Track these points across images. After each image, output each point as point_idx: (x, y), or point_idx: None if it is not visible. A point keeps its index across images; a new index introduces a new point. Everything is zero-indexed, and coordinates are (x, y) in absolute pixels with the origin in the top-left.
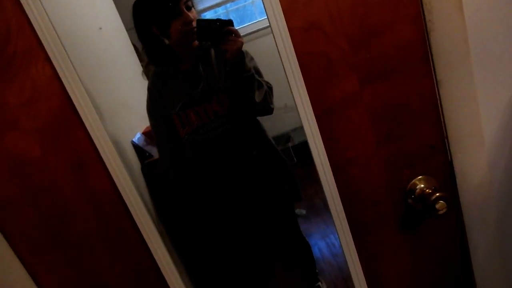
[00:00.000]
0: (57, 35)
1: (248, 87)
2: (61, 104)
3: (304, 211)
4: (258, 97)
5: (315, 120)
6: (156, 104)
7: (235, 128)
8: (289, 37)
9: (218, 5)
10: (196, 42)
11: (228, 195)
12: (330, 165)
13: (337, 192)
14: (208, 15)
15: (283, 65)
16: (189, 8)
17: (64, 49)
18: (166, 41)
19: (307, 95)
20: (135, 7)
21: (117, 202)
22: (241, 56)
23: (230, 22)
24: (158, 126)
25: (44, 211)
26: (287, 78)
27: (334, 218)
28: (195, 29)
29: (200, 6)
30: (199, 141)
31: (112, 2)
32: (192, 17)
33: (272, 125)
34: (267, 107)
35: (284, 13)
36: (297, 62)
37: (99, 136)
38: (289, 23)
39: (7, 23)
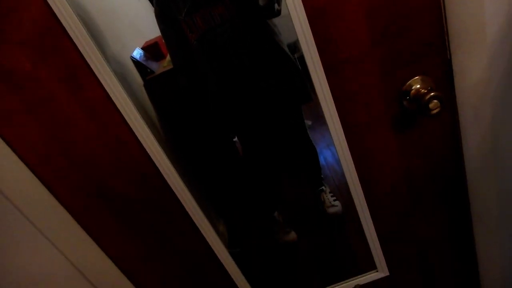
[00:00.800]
0: None
1: None
2: (44, 14)
3: (310, 122)
4: (261, 1)
5: (306, 20)
6: (163, 9)
7: (242, 31)
8: None
9: None
10: None
11: (238, 98)
12: (323, 66)
13: (330, 93)
14: None
15: None
16: None
17: None
18: None
19: None
20: None
21: (112, 111)
22: None
23: None
24: (167, 32)
25: (45, 120)
26: None
27: (326, 119)
28: None
29: None
30: (207, 46)
31: None
32: None
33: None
34: (271, 10)
35: None
36: None
37: (86, 47)
38: None
39: None
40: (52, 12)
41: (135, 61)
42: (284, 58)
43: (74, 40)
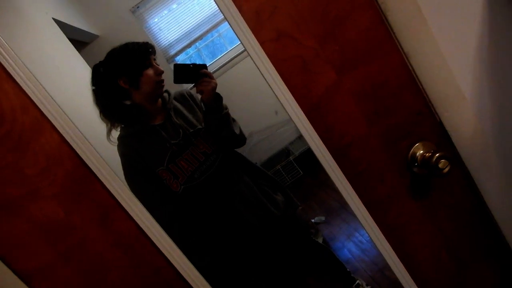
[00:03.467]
0: (59, 106)
1: (227, 123)
2: (74, 165)
3: (323, 218)
4: (236, 129)
5: (305, 117)
6: (137, 166)
7: (226, 160)
8: (262, 50)
9: (188, 46)
10: (160, 101)
11: (236, 226)
12: (331, 154)
13: (344, 177)
14: (181, 58)
15: (263, 76)
16: (156, 65)
17: (67, 117)
18: (128, 102)
19: (293, 98)
20: (98, 67)
21: (146, 244)
22: (217, 96)
23: (204, 66)
24: (147, 188)
25: (80, 267)
26: (270, 87)
27: (349, 203)
28: (163, 83)
29: (171, 52)
30: (196, 186)
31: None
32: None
33: (269, 144)
34: (243, 138)
35: (252, 31)
36: (275, 71)
37: (116, 187)
38: (259, 38)
39: (10, 104)
40: (83, 162)
41: None
42: (264, 175)
43: (105, 183)
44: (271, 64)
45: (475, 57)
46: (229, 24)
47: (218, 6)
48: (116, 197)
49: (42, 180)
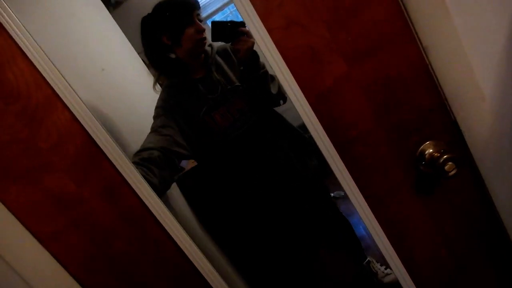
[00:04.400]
0: (70, 86)
1: (264, 82)
2: (84, 141)
3: (342, 192)
4: (273, 89)
5: (310, 108)
6: (177, 109)
7: (261, 120)
8: (270, 38)
9: (221, 8)
10: (203, 55)
11: (264, 184)
12: (335, 147)
13: (347, 172)
14: (216, 18)
15: (269, 63)
16: (199, 21)
17: (78, 96)
18: (173, 55)
19: (298, 87)
20: (146, 19)
21: (149, 218)
22: (254, 54)
23: (242, 23)
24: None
25: (90, 236)
26: (276, 75)
27: (350, 197)
28: (205, 40)
29: (204, 13)
30: (230, 141)
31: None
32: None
33: (296, 113)
34: (283, 96)
35: (260, 18)
36: (281, 59)
37: (122, 164)
38: (267, 25)
39: (26, 81)
40: (92, 140)
41: None
42: (300, 139)
43: (112, 161)
44: (278, 52)
45: (500, 57)
46: (236, 8)
47: None
48: (123, 174)
49: (55, 154)
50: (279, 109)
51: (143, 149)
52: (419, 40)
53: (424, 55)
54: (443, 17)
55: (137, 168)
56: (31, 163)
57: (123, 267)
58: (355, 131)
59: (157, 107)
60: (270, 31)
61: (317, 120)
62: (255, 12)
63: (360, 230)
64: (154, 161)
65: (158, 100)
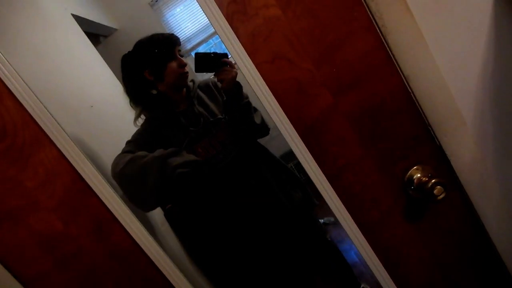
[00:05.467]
0: (58, 123)
1: (247, 112)
2: (72, 179)
3: (332, 218)
4: (257, 119)
5: (300, 139)
6: (159, 142)
7: (243, 152)
8: (257, 72)
9: (206, 39)
10: (184, 90)
11: (249, 217)
12: (326, 176)
13: (339, 200)
14: (201, 50)
15: (258, 97)
16: (181, 56)
17: (66, 133)
18: (155, 91)
19: (287, 119)
20: (127, 57)
21: (139, 255)
22: (237, 85)
23: (225, 55)
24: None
25: (77, 277)
26: (265, 108)
27: (343, 225)
28: (187, 74)
29: (188, 45)
30: (212, 173)
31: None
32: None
33: (282, 142)
34: (266, 127)
35: (248, 53)
36: (270, 92)
37: (111, 201)
38: (254, 60)
39: (12, 119)
40: (80, 177)
41: None
42: (283, 171)
43: (101, 198)
44: (266, 86)
45: (477, 82)
46: (225, 46)
47: (214, 28)
48: (112, 211)
49: (42, 192)
50: (261, 141)
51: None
52: (401, 70)
53: (406, 84)
54: (421, 48)
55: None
56: (17, 202)
57: None
58: (344, 160)
59: (136, 133)
60: (257, 65)
61: (307, 150)
62: (242, 48)
63: (352, 256)
64: None
65: (134, 134)
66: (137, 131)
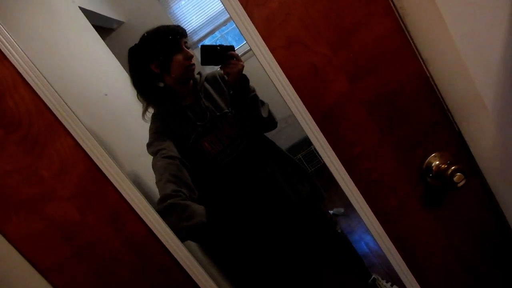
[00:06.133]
0: (72, 111)
1: (254, 106)
2: (88, 168)
3: (342, 210)
4: (264, 113)
5: (317, 126)
6: (165, 134)
7: (250, 146)
8: (273, 57)
9: (212, 31)
10: (191, 82)
11: (257, 209)
12: (342, 163)
13: (356, 187)
14: (206, 42)
15: (273, 83)
16: (187, 48)
17: (80, 121)
18: (162, 84)
19: (303, 105)
20: (133, 50)
21: (155, 244)
22: (243, 78)
23: (231, 47)
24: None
25: (94, 265)
26: (280, 94)
27: (359, 213)
28: (194, 66)
29: (195, 38)
30: (220, 167)
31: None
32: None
33: (292, 132)
34: (273, 121)
35: (263, 37)
36: (286, 79)
37: (126, 189)
38: (269, 45)
39: (27, 109)
40: (96, 166)
41: None
42: (291, 164)
43: (117, 187)
44: (282, 72)
45: (499, 66)
46: (239, 30)
47: (228, 12)
48: (128, 200)
49: (58, 182)
50: (268, 134)
51: (166, 197)
52: (419, 53)
53: (424, 68)
54: (440, 30)
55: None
56: (33, 191)
57: None
58: (361, 147)
59: (151, 132)
60: (272, 50)
61: (323, 137)
62: (257, 32)
63: (363, 247)
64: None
65: (150, 127)
66: (150, 131)
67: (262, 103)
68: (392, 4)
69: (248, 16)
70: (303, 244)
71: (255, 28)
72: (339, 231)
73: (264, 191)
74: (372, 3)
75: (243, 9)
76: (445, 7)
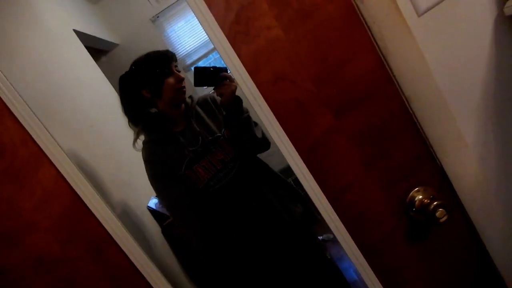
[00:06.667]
0: (57, 143)
1: (248, 127)
2: (70, 200)
3: (331, 235)
4: (258, 133)
5: (301, 160)
6: (160, 169)
7: (244, 168)
8: (258, 92)
9: (206, 55)
10: (183, 106)
11: (250, 234)
12: (326, 196)
13: (339, 221)
14: (201, 63)
15: (259, 117)
16: (178, 71)
17: (64, 153)
18: (153, 110)
19: (288, 140)
20: (124, 77)
21: (137, 278)
22: (237, 99)
23: (224, 69)
24: (173, 189)
25: None
26: (266, 128)
27: (343, 247)
28: (184, 88)
29: (188, 61)
30: (212, 194)
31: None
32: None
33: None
34: (267, 141)
35: (249, 72)
36: (271, 113)
37: (110, 222)
38: (256, 79)
39: (11, 139)
40: (79, 198)
41: (152, 210)
42: (284, 185)
43: (99, 219)
44: (267, 106)
45: (479, 103)
46: (227, 66)
47: (217, 50)
48: (110, 233)
49: (39, 213)
50: (262, 154)
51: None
52: (402, 91)
53: (407, 104)
54: (422, 69)
55: None
56: (13, 224)
57: None
58: (345, 181)
59: (146, 161)
60: (259, 85)
61: (308, 171)
62: (243, 68)
63: (351, 274)
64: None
65: (143, 155)
66: (144, 157)
67: (255, 124)
68: (375, 43)
69: (236, 52)
70: (294, 268)
71: (241, 64)
72: (329, 257)
73: (258, 214)
74: (356, 42)
75: (230, 45)
76: (427, 47)
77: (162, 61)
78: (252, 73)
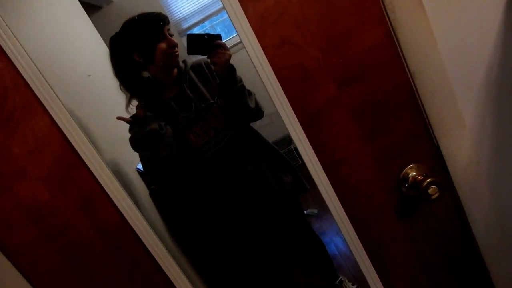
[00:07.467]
0: (51, 88)
1: (242, 96)
2: (63, 149)
3: (316, 210)
4: (251, 103)
5: (301, 128)
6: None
7: (236, 136)
8: (264, 55)
9: (202, 20)
10: (176, 71)
11: (239, 201)
12: (322, 166)
13: (333, 191)
14: (195, 31)
15: (263, 82)
16: (170, 35)
17: (59, 100)
18: (145, 74)
19: (290, 106)
20: (115, 38)
21: (127, 232)
22: (230, 68)
23: (218, 36)
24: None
25: (62, 250)
26: (268, 93)
27: (335, 217)
28: (177, 53)
29: (184, 25)
30: (205, 159)
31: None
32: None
33: (272, 130)
34: (260, 111)
35: (256, 34)
36: (275, 78)
37: (102, 174)
38: (262, 42)
39: (3, 81)
40: (72, 148)
41: (140, 172)
42: (275, 155)
43: (92, 170)
44: (272, 71)
45: (481, 86)
46: (233, 25)
47: (223, 5)
48: (102, 185)
49: (30, 161)
50: (254, 125)
51: None
52: (407, 66)
53: (411, 80)
54: (430, 45)
55: None
56: (3, 169)
57: (97, 285)
58: (342, 153)
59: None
60: (264, 48)
61: (306, 139)
62: (251, 28)
63: (332, 248)
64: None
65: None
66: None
67: (249, 93)
68: (386, 15)
69: (243, 11)
70: (280, 238)
71: (249, 24)
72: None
73: (249, 183)
74: (367, 11)
75: (238, 2)
76: (437, 23)
77: (154, 25)
78: (259, 34)
